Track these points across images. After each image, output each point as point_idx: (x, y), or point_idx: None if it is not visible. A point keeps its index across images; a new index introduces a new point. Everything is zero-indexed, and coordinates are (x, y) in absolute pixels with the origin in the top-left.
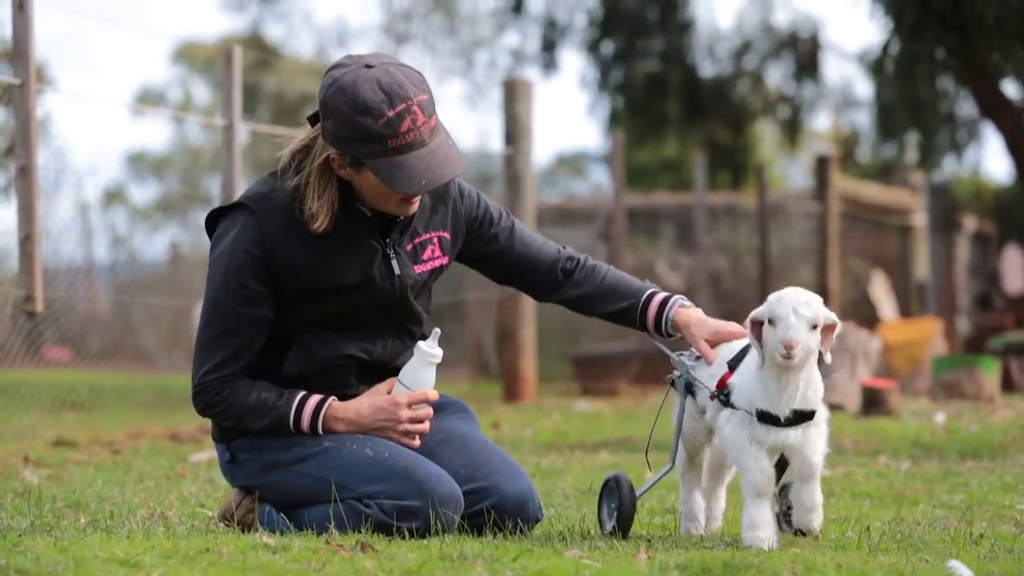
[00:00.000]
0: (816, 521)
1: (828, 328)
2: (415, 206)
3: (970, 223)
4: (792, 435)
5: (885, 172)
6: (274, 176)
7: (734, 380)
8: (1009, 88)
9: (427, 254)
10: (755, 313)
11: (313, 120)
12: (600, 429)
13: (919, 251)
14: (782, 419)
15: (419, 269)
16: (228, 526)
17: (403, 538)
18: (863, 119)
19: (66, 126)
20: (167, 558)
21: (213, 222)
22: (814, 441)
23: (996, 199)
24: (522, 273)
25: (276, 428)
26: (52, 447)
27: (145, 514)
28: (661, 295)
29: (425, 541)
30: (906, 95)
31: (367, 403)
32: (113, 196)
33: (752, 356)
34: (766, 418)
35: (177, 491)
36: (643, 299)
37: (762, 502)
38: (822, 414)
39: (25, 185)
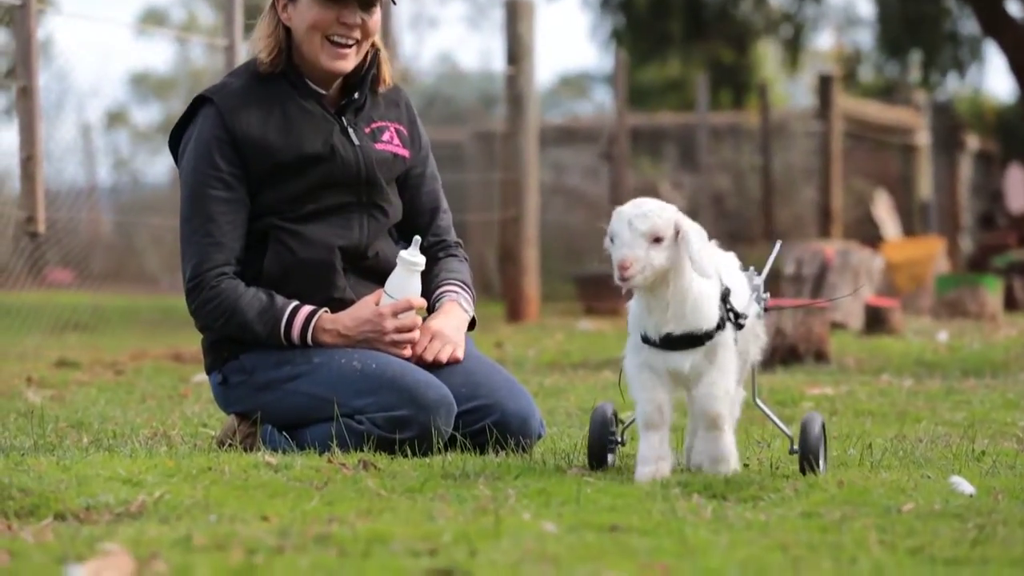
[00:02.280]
0: (725, 470)
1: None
2: (348, 61)
3: (973, 142)
4: (680, 361)
5: (887, 91)
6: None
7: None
8: (1012, 6)
9: (386, 137)
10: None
11: None
12: (603, 348)
13: (922, 170)
14: (657, 342)
15: (379, 147)
16: (231, 447)
17: (405, 456)
18: (865, 38)
19: (68, 47)
20: (169, 477)
21: (176, 140)
22: (714, 386)
23: (999, 118)
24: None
25: (267, 332)
26: (55, 368)
27: (148, 434)
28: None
29: (427, 459)
30: (908, 13)
31: (353, 315)
32: (115, 117)
33: None
34: (648, 342)
35: (179, 411)
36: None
37: (652, 435)
38: (724, 348)
39: (26, 106)
